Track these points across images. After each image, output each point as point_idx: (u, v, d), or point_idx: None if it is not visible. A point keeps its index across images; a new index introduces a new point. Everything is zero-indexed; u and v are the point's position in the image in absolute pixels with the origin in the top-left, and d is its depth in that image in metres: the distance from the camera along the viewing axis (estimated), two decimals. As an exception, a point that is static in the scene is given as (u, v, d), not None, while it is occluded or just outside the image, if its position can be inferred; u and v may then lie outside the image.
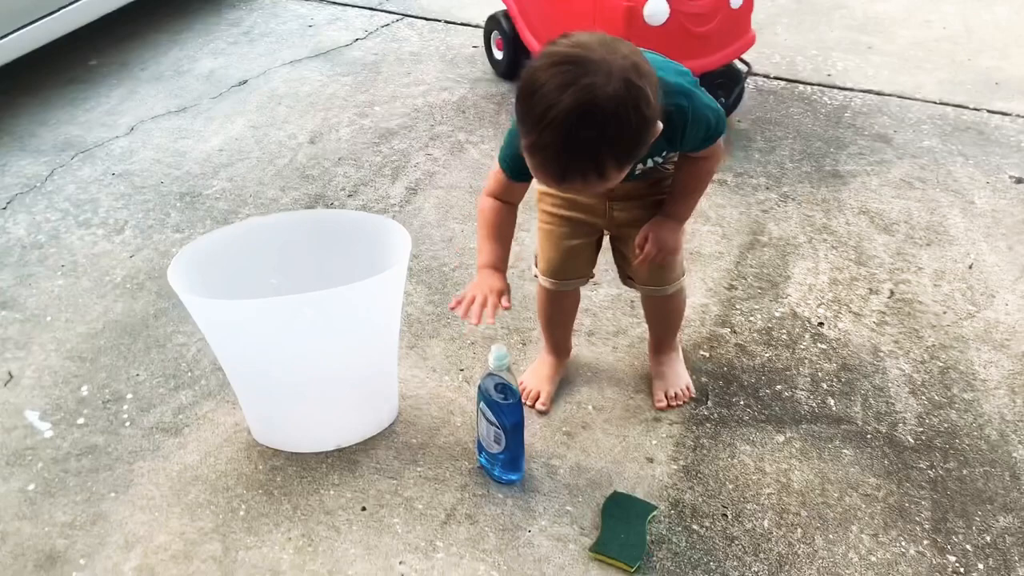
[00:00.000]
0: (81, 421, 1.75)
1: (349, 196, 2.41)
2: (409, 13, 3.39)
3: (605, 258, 1.73)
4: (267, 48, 3.18)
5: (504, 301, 1.45)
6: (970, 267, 2.11)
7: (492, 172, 1.52)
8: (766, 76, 2.92)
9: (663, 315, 1.77)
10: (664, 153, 1.49)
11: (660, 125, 1.25)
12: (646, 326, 1.96)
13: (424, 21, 3.33)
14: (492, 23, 2.90)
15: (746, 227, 2.27)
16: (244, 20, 3.37)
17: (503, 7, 2.84)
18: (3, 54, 2.66)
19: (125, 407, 1.78)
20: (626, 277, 1.71)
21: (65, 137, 2.67)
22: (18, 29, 2.68)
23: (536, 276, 1.74)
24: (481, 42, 3.03)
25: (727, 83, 2.58)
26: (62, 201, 2.40)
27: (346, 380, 1.61)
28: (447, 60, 3.07)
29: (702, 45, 2.42)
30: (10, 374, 1.86)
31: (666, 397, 1.76)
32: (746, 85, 2.67)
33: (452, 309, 1.46)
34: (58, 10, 2.78)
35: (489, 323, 1.43)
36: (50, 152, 2.60)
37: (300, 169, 2.52)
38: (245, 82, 2.97)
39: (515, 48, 2.82)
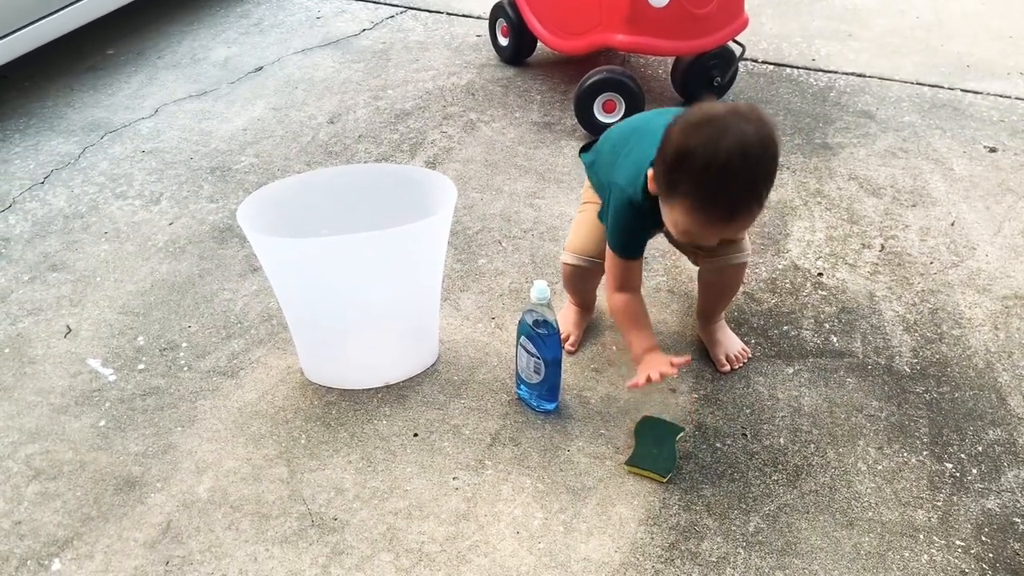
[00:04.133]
0: (141, 367, 1.87)
1: (372, 169, 2.55)
2: (412, 6, 3.54)
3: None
4: (278, 38, 3.31)
5: (673, 369, 1.59)
6: (952, 224, 2.30)
7: (609, 266, 1.67)
8: (755, 60, 3.11)
9: (723, 287, 1.84)
10: None
11: None
12: (661, 279, 2.12)
13: (427, 13, 3.48)
14: (497, 11, 3.06)
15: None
16: (253, 12, 3.50)
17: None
18: (26, 43, 2.76)
19: (181, 354, 1.90)
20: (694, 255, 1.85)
21: (92, 119, 2.78)
22: (40, 19, 2.79)
23: (568, 260, 1.84)
24: (484, 31, 3.19)
25: (722, 63, 2.76)
26: (97, 176, 2.51)
27: (395, 318, 1.75)
28: (453, 48, 3.22)
29: (701, 26, 2.60)
30: (68, 327, 1.97)
31: (727, 360, 1.86)
32: (739, 66, 2.86)
33: (632, 388, 1.60)
34: (76, 1, 2.89)
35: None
36: (79, 132, 2.71)
37: (323, 146, 2.66)
38: (261, 68, 3.10)
39: (520, 34, 2.98)
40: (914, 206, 2.38)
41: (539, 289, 1.64)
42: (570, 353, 1.91)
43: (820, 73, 3.03)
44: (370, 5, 3.55)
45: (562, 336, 1.92)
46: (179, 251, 2.21)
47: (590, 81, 2.61)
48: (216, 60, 3.15)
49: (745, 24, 2.72)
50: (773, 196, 2.40)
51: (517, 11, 2.95)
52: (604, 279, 1.91)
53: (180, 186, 2.47)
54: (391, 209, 1.78)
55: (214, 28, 3.37)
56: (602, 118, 2.63)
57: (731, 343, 1.90)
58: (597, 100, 2.62)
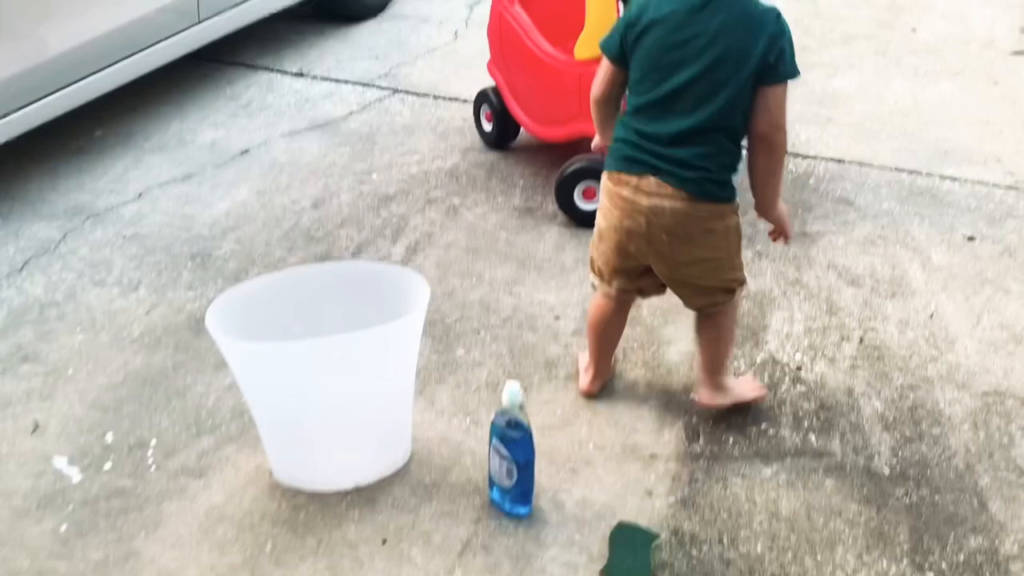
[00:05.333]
0: (108, 466, 1.84)
1: (353, 255, 2.55)
2: (399, 89, 3.59)
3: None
4: (266, 120, 3.35)
5: None
6: (931, 316, 2.30)
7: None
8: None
9: (720, 328, 1.91)
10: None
11: None
12: (642, 369, 2.11)
13: (414, 96, 3.53)
14: (481, 98, 3.10)
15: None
16: (242, 95, 3.54)
17: (492, 83, 3.04)
18: (14, 128, 2.79)
19: (150, 452, 1.87)
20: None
21: (75, 203, 2.79)
22: (28, 104, 2.82)
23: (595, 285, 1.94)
24: (469, 116, 3.23)
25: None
26: (76, 262, 2.51)
27: (365, 420, 1.73)
28: (438, 132, 3.26)
29: (679, 116, 2.63)
30: (36, 423, 1.94)
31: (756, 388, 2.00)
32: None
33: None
34: (65, 87, 2.93)
35: None
36: (62, 217, 2.72)
37: (305, 231, 2.66)
38: (247, 151, 3.12)
39: (503, 120, 3.02)
40: (893, 296, 2.38)
41: (512, 393, 1.63)
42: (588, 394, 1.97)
43: (800, 159, 3.06)
44: (358, 88, 3.61)
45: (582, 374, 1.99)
46: (154, 342, 2.20)
47: (570, 169, 2.63)
48: (203, 143, 3.18)
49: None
50: (752, 286, 2.41)
51: (500, 98, 3.00)
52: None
53: (159, 273, 2.46)
54: (363, 307, 1.77)
55: (203, 110, 3.41)
56: (583, 205, 2.65)
57: (745, 384, 1.98)
58: (577, 187, 2.64)
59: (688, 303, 1.91)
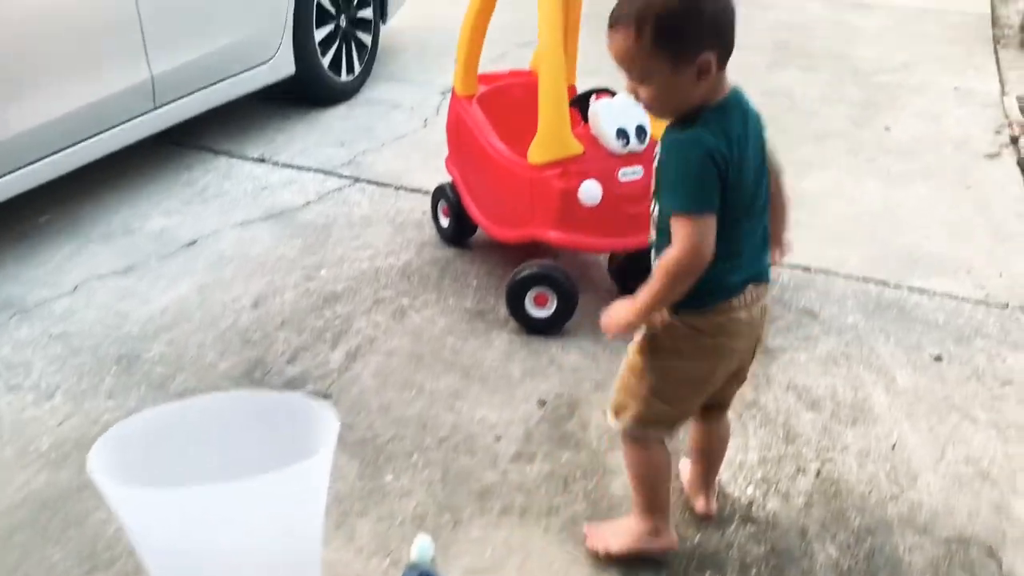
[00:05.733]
0: (-14, 608, 1.68)
1: (288, 362, 2.43)
2: (361, 178, 3.51)
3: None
4: (220, 208, 3.25)
5: None
6: (893, 447, 2.17)
7: (690, 232, 1.50)
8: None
9: (722, 438, 1.90)
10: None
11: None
12: (583, 503, 1.97)
13: (375, 186, 3.45)
14: (439, 193, 3.02)
15: (679, 401, 2.32)
16: (199, 180, 3.46)
17: (450, 178, 2.97)
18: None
19: (34, 592, 1.71)
20: None
21: (5, 296, 2.67)
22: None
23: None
24: (430, 208, 3.14)
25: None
26: (-6, 364, 2.38)
27: (267, 570, 1.57)
28: (396, 224, 3.17)
29: (636, 223, 2.53)
30: (-84, 553, 1.79)
31: None
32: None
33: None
34: (12, 172, 2.84)
35: None
36: (-11, 311, 2.60)
37: (242, 333, 2.54)
38: (195, 242, 3.02)
39: (460, 217, 2.93)
40: (854, 423, 2.25)
41: (421, 548, 1.49)
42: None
43: (765, 265, 2.96)
44: (319, 176, 3.53)
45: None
46: (62, 458, 2.05)
47: (521, 275, 2.53)
48: (151, 231, 3.08)
49: (683, 221, 2.67)
50: (707, 406, 2.28)
51: (457, 194, 2.91)
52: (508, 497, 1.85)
53: (80, 378, 2.33)
54: (268, 444, 1.63)
55: (156, 196, 3.32)
56: (534, 312, 2.54)
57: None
58: (528, 293, 2.53)
59: (731, 395, 1.84)
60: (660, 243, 1.60)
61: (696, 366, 1.67)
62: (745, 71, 4.83)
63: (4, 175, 2.81)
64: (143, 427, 1.59)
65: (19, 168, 2.85)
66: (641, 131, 2.51)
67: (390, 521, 1.91)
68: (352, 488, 2.00)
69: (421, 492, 1.99)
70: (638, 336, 1.70)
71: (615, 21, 1.48)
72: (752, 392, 2.35)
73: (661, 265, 1.53)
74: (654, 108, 1.55)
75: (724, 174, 1.49)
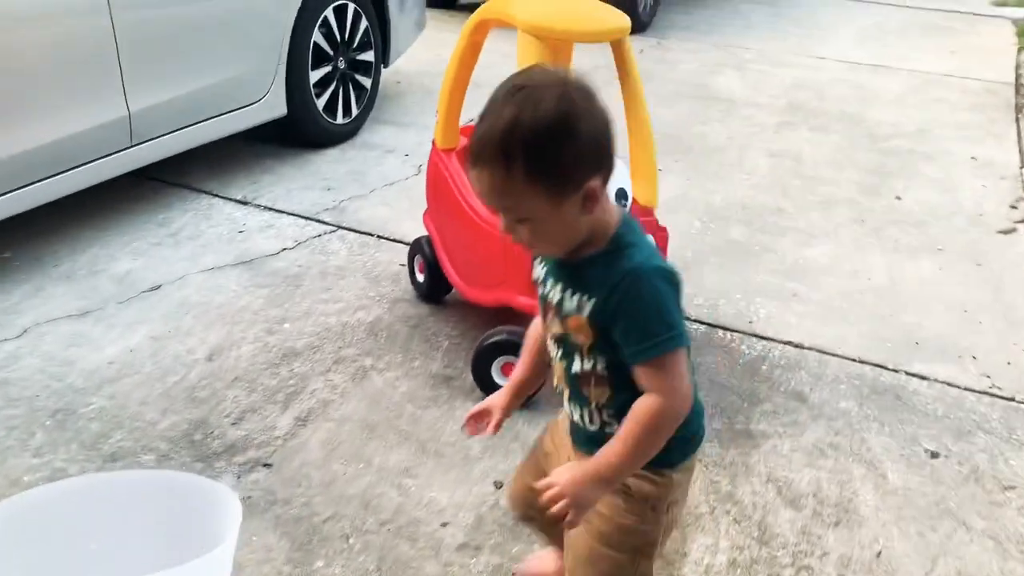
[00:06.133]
0: None
1: (233, 424, 2.27)
2: (343, 225, 3.39)
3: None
4: (191, 252, 3.13)
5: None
6: (878, 555, 1.97)
7: (677, 374, 1.28)
8: (687, 318, 2.88)
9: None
10: (596, 345, 1.32)
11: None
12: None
13: (356, 234, 3.32)
14: (416, 247, 2.88)
15: (648, 489, 2.13)
16: (175, 221, 3.35)
17: (427, 233, 2.83)
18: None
19: None
20: None
21: (-50, 336, 2.55)
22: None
23: None
24: (407, 259, 3.00)
25: (641, 329, 2.52)
26: (-78, 411, 2.24)
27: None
28: (371, 277, 3.03)
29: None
30: None
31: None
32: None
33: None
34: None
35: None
36: (-71, 353, 2.47)
37: (190, 389, 2.39)
38: (159, 287, 2.89)
39: (435, 274, 2.78)
40: (837, 525, 2.06)
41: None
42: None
43: (755, 340, 2.79)
44: (300, 221, 3.41)
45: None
46: (-30, 522, 1.90)
47: (488, 342, 2.38)
48: (115, 273, 2.96)
49: (666, 291, 2.51)
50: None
51: (433, 251, 2.77)
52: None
53: (8, 432, 2.19)
54: (172, 527, 1.48)
55: (127, 235, 3.21)
56: (500, 382, 2.37)
57: None
58: (495, 362, 2.37)
59: None
60: (604, 401, 1.35)
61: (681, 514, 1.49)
62: (753, 130, 4.75)
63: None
64: (44, 500, 1.44)
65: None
66: (622, 195, 2.37)
67: (313, 616, 1.74)
68: (279, 572, 1.83)
69: (351, 584, 1.82)
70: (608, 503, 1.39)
71: (476, 157, 1.25)
72: (728, 482, 2.16)
73: (641, 420, 1.27)
74: (538, 247, 1.34)
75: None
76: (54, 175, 2.94)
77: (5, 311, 2.70)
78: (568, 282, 1.33)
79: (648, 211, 2.46)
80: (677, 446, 1.35)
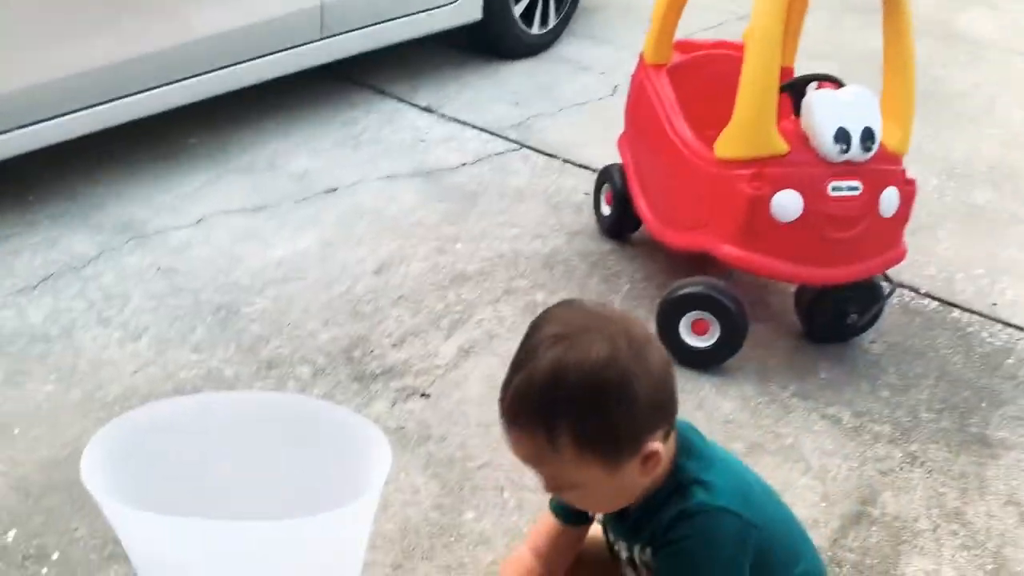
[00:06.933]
0: (-13, 578, 1.48)
1: (394, 346, 2.11)
2: (527, 144, 3.13)
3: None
4: (370, 156, 2.98)
5: None
6: None
7: None
8: (915, 290, 2.45)
9: None
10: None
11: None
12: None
13: (540, 155, 3.06)
14: (605, 175, 2.59)
15: (855, 489, 1.80)
16: (358, 122, 3.21)
17: (619, 160, 2.53)
18: (102, 119, 2.56)
19: (44, 570, 1.50)
20: None
21: (129, 217, 2.52)
22: (128, 95, 2.59)
23: None
24: (593, 188, 2.72)
25: (862, 298, 2.14)
26: (94, 290, 2.21)
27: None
28: (552, 203, 2.77)
29: (839, 253, 2.02)
30: (-56, 495, 1.62)
31: None
32: (885, 307, 2.22)
33: None
34: (165, 85, 2.69)
35: None
36: (108, 231, 2.45)
37: (354, 302, 2.25)
38: (334, 190, 2.77)
39: (624, 206, 2.49)
40: (1099, 574, 1.65)
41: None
42: None
43: (999, 326, 2.33)
44: (483, 135, 3.18)
45: None
46: (124, 412, 1.83)
47: (678, 293, 2.07)
48: (294, 171, 2.86)
49: (900, 257, 2.11)
50: (891, 505, 1.76)
51: (625, 181, 2.47)
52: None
53: (172, 323, 2.12)
54: (304, 462, 1.31)
55: (309, 132, 3.10)
56: (690, 341, 2.07)
57: None
58: (684, 318, 2.06)
59: None
60: None
61: None
62: (1006, 78, 4.05)
63: (157, 87, 2.66)
64: (158, 418, 1.31)
65: (172, 82, 2.69)
66: (868, 135, 1.96)
67: (459, 572, 1.55)
68: (424, 519, 1.65)
69: (499, 543, 1.61)
70: None
71: (512, 419, 1.07)
72: (957, 497, 1.79)
73: None
74: (587, 508, 1.20)
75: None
76: (244, 61, 2.85)
77: (183, 197, 2.65)
78: (630, 535, 1.19)
79: (896, 158, 2.04)
80: None
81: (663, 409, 1.09)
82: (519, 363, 1.07)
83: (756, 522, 1.10)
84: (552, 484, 1.11)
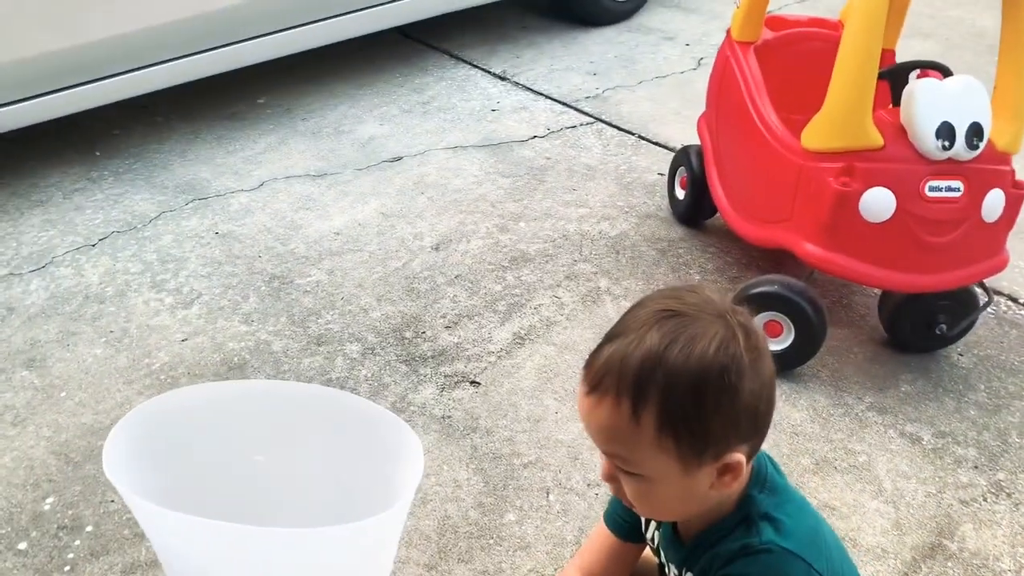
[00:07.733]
0: (23, 546, 1.46)
1: (447, 328, 2.03)
2: (602, 118, 3.00)
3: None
4: (438, 125, 2.90)
5: None
6: None
7: None
8: (1013, 300, 2.25)
9: None
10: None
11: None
12: None
13: (615, 131, 2.92)
14: (681, 157, 2.44)
15: (931, 519, 1.65)
16: (428, 88, 3.12)
17: (698, 142, 2.38)
18: (174, 76, 2.53)
19: (77, 543, 1.48)
20: None
21: (192, 178, 2.50)
22: (191, 54, 2.56)
23: None
24: (667, 171, 2.58)
25: (955, 308, 1.96)
26: (151, 252, 2.19)
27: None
28: (623, 183, 2.64)
29: (932, 259, 1.84)
30: (-13, 456, 1.62)
31: None
32: (979, 318, 2.03)
33: None
34: (237, 43, 2.64)
35: None
36: (169, 191, 2.43)
37: (409, 279, 2.18)
38: (399, 159, 2.69)
39: (700, 192, 2.34)
40: None
41: None
42: None
43: (1108, 345, 2.12)
44: (556, 107, 3.06)
45: None
46: (169, 382, 1.81)
47: (752, 291, 1.93)
48: (359, 137, 2.79)
49: (1002, 266, 1.92)
50: (971, 540, 1.61)
51: (702, 164, 2.32)
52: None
53: (225, 291, 2.09)
54: (337, 458, 1.25)
55: (379, 97, 3.03)
56: (760, 341, 1.94)
57: None
58: (757, 318, 1.92)
59: None
60: None
61: None
62: None
63: (229, 45, 2.62)
64: (182, 406, 1.26)
65: (244, 40, 2.65)
66: (975, 132, 1.77)
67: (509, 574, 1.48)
68: (464, 517, 1.58)
69: (541, 550, 1.53)
70: None
71: (595, 382, 0.95)
72: (1046, 538, 1.63)
73: None
74: (642, 508, 1.04)
75: None
76: (318, 21, 2.79)
77: (248, 160, 2.62)
78: (683, 562, 1.07)
79: (1005, 158, 1.85)
80: None
81: (759, 422, 0.99)
82: (618, 332, 0.96)
83: (823, 574, 0.99)
84: (615, 467, 0.99)
